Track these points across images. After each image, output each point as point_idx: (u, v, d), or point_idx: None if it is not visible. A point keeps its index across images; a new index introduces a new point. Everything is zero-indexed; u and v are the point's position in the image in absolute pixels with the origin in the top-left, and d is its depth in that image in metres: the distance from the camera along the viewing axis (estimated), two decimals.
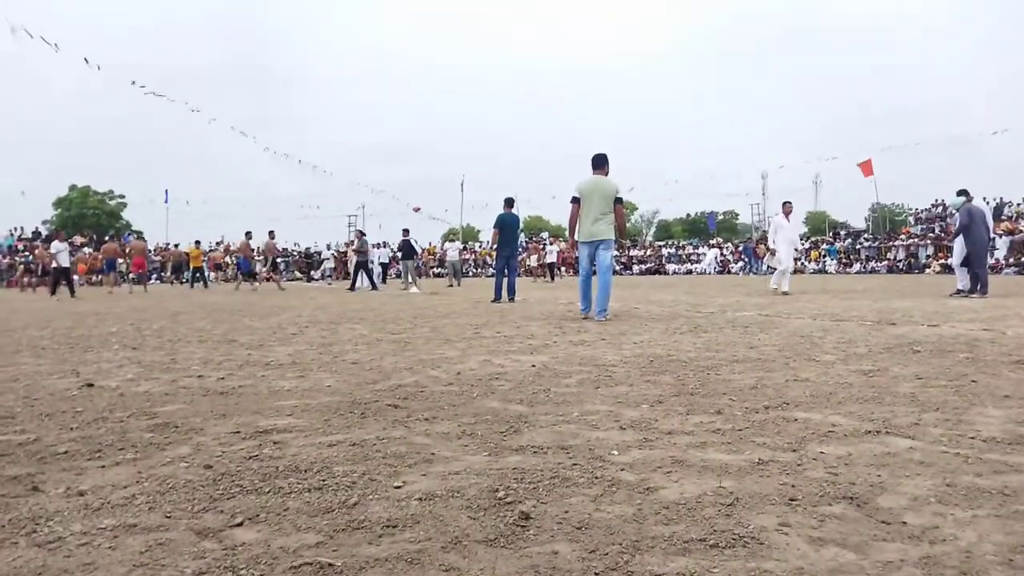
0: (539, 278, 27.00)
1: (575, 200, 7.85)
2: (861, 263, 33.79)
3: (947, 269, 24.80)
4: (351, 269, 21.09)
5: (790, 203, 13.47)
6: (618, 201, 7.70)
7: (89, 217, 51.75)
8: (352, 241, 26.97)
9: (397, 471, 2.08)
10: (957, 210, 11.53)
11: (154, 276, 34.89)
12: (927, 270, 28.91)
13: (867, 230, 39.94)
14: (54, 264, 18.24)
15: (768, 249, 13.39)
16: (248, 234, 24.27)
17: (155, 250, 36.91)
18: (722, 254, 40.48)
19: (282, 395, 3.39)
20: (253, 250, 25.20)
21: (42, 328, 7.64)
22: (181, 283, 29.00)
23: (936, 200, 35.28)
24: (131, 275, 25.37)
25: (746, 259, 34.75)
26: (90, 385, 3.74)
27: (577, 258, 8.53)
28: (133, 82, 23.97)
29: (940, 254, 29.58)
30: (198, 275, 24.75)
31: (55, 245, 18.36)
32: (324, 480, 1.99)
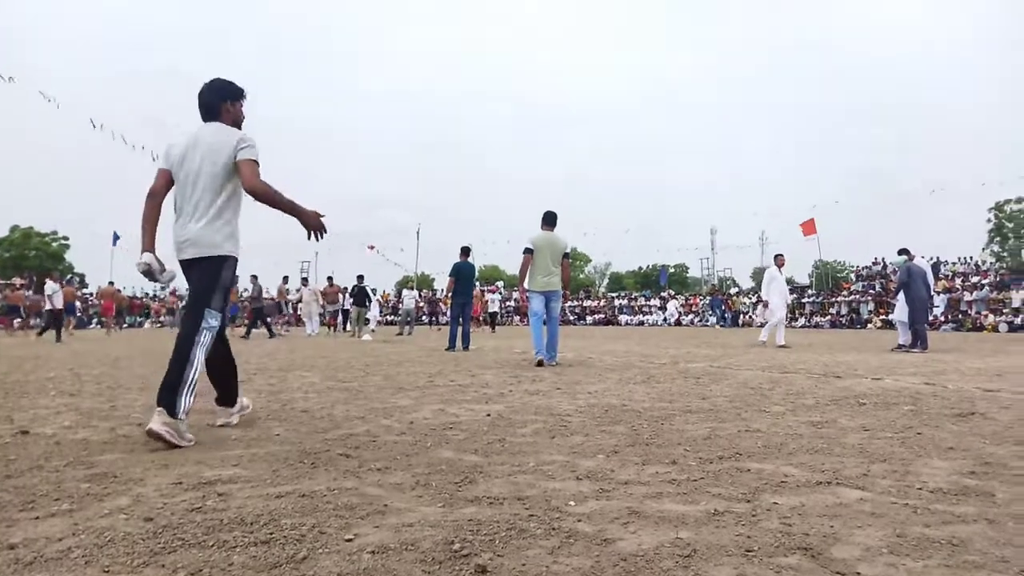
0: (482, 326, 26.71)
1: (528, 251, 8.52)
2: (806, 317, 34.69)
3: (888, 324, 25.67)
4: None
5: (783, 255, 13.74)
6: (566, 256, 8.65)
7: (31, 259, 50.04)
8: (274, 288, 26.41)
9: (348, 523, 2.01)
10: (898, 268, 12.02)
11: (94, 321, 33.80)
12: (869, 325, 29.84)
13: (810, 286, 41.15)
14: (48, 306, 17.48)
15: (762, 301, 13.42)
16: (285, 278, 24.66)
17: (96, 293, 35.85)
18: (685, 304, 41.09)
19: (228, 444, 3.27)
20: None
21: None
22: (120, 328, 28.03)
23: (876, 258, 36.63)
24: (103, 318, 24.67)
25: (718, 311, 35.13)
26: (25, 432, 3.56)
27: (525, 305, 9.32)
28: (93, 124, 23.27)
29: (881, 310, 30.62)
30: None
31: (49, 286, 17.58)
32: (271, 533, 1.91)
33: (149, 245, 3.55)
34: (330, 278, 24.26)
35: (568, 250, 8.65)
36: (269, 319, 20.07)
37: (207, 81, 3.77)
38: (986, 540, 1.85)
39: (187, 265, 3.56)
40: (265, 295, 20.01)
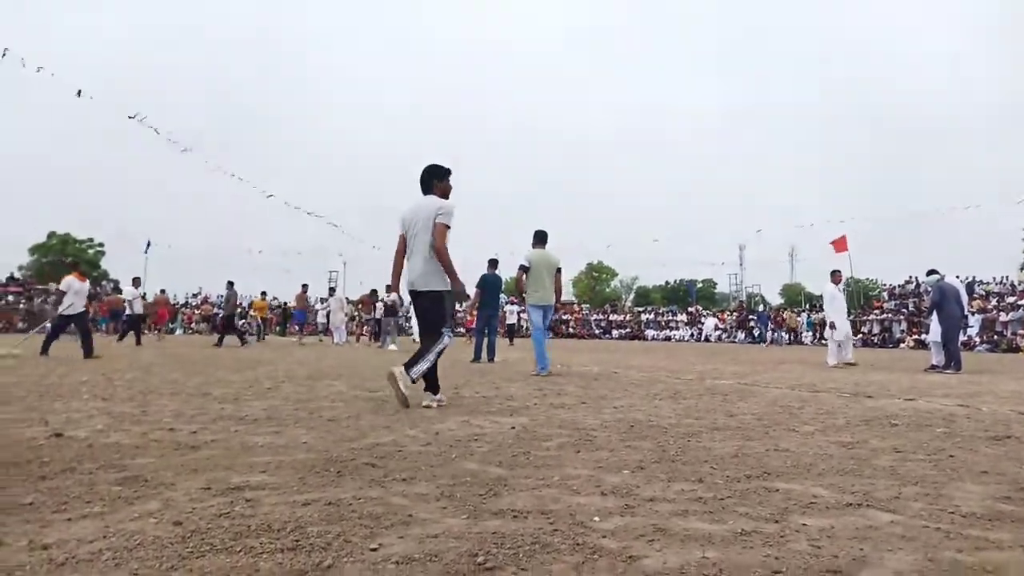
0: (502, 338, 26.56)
1: (523, 268, 9.09)
2: (827, 338, 34.13)
3: (921, 344, 25.16)
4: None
5: (840, 271, 13.30)
6: (558, 271, 9.27)
7: (67, 266, 51.14)
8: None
9: (373, 533, 2.03)
10: (930, 288, 11.80)
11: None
12: (901, 345, 29.28)
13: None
14: (128, 311, 17.79)
15: (828, 322, 12.97)
16: (305, 286, 24.50)
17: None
18: (722, 320, 40.44)
19: (256, 451, 3.31)
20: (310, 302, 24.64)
21: (9, 375, 7.45)
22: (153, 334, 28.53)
23: (909, 277, 36.01)
24: (156, 326, 25.00)
25: (762, 328, 34.26)
26: (59, 435, 3.64)
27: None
28: (131, 117, 23.36)
29: (914, 329, 30.03)
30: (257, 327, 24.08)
31: (128, 291, 17.90)
32: (297, 540, 1.93)
33: (395, 287, 5.57)
34: (374, 291, 24.28)
35: (560, 266, 9.26)
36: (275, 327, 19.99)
37: (425, 166, 5.29)
38: (1021, 567, 1.80)
39: (414, 295, 5.22)
40: (271, 303, 19.84)
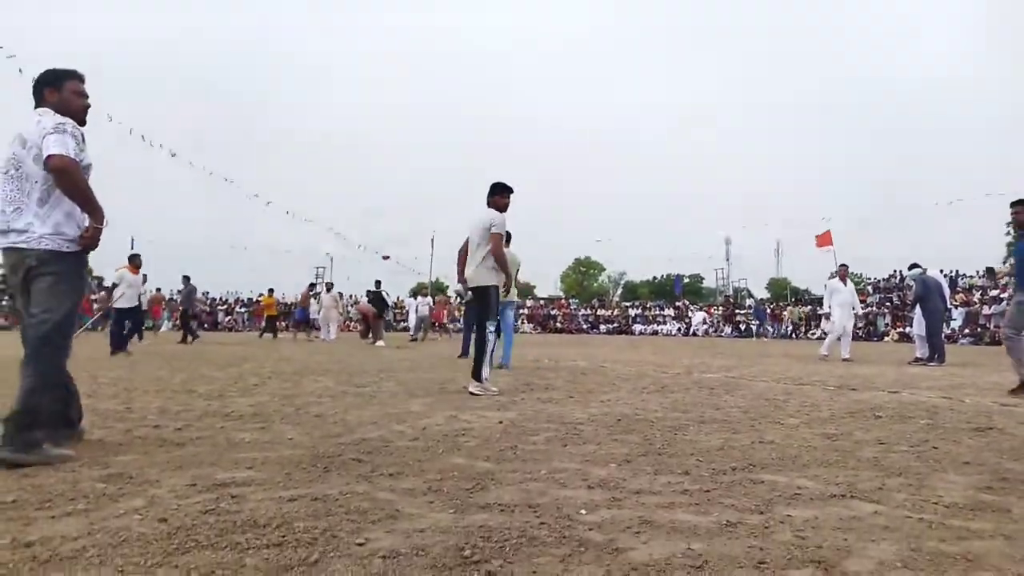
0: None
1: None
2: (821, 329, 34.40)
3: (905, 338, 25.39)
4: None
5: (846, 266, 13.30)
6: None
7: None
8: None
9: (360, 527, 2.02)
10: (914, 281, 11.89)
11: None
12: (885, 338, 29.54)
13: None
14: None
15: (823, 314, 12.83)
16: (312, 285, 24.45)
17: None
18: (710, 315, 40.53)
19: (241, 447, 3.30)
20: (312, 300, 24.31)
21: None
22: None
23: (893, 271, 36.30)
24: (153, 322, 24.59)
25: (758, 321, 34.41)
26: None
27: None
28: (110, 117, 23.18)
29: (898, 323, 30.30)
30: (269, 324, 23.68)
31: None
32: (283, 536, 1.92)
33: (460, 279, 6.62)
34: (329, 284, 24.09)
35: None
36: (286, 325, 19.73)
37: (494, 182, 6.18)
38: (1002, 556, 1.82)
39: (472, 291, 6.19)
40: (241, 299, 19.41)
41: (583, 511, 2.22)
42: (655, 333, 39.31)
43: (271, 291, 25.19)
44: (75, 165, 3.01)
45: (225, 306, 41.40)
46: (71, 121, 3.14)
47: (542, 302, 46.92)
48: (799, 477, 2.74)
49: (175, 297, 40.00)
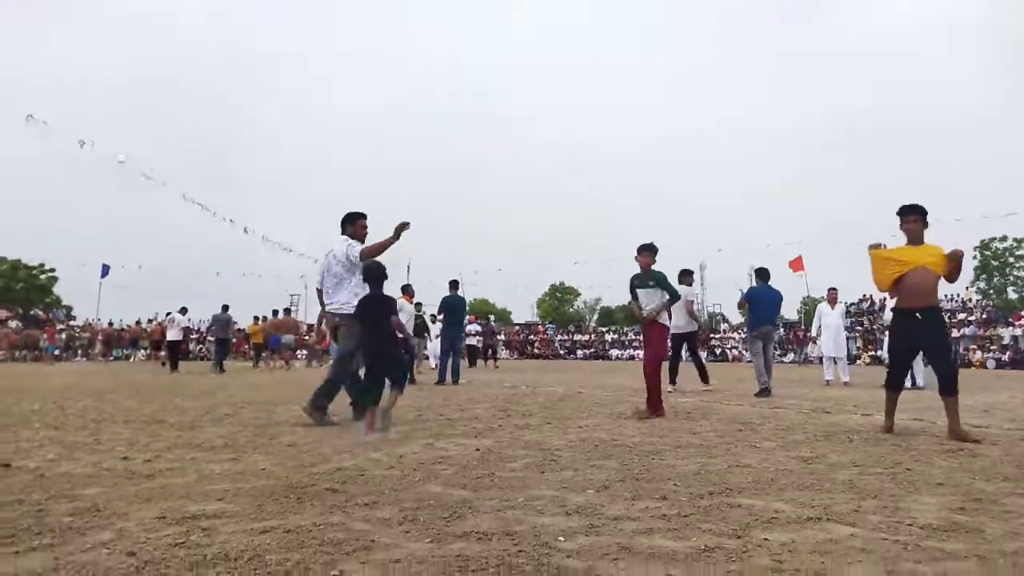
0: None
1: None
2: (795, 353, 34.76)
3: (877, 361, 25.73)
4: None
5: (835, 290, 13.36)
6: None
7: (17, 292, 49.51)
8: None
9: (334, 559, 1.98)
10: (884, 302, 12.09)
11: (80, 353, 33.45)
12: (858, 361, 29.91)
13: (799, 322, 41.29)
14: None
15: (811, 338, 12.95)
16: (287, 310, 24.59)
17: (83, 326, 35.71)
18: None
19: (212, 479, 3.23)
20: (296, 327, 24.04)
21: None
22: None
23: (864, 295, 36.86)
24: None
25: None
26: (6, 465, 3.51)
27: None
28: (81, 143, 22.91)
29: (869, 346, 30.73)
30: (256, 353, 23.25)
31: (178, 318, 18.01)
32: (256, 569, 1.88)
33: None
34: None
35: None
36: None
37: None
38: None
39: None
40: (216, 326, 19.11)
41: (561, 538, 2.20)
42: (632, 358, 39.42)
43: (256, 319, 24.78)
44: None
45: (198, 334, 40.75)
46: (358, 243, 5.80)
47: (517, 328, 46.88)
48: (776, 501, 2.75)
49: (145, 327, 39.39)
